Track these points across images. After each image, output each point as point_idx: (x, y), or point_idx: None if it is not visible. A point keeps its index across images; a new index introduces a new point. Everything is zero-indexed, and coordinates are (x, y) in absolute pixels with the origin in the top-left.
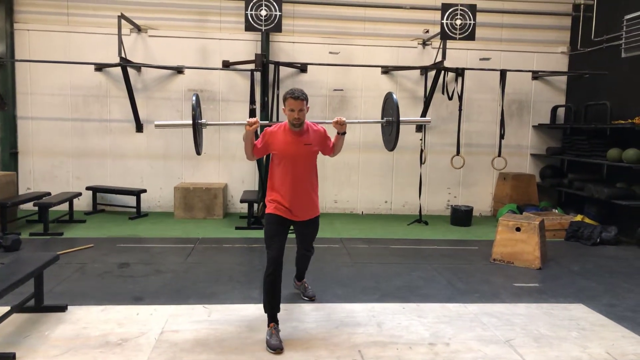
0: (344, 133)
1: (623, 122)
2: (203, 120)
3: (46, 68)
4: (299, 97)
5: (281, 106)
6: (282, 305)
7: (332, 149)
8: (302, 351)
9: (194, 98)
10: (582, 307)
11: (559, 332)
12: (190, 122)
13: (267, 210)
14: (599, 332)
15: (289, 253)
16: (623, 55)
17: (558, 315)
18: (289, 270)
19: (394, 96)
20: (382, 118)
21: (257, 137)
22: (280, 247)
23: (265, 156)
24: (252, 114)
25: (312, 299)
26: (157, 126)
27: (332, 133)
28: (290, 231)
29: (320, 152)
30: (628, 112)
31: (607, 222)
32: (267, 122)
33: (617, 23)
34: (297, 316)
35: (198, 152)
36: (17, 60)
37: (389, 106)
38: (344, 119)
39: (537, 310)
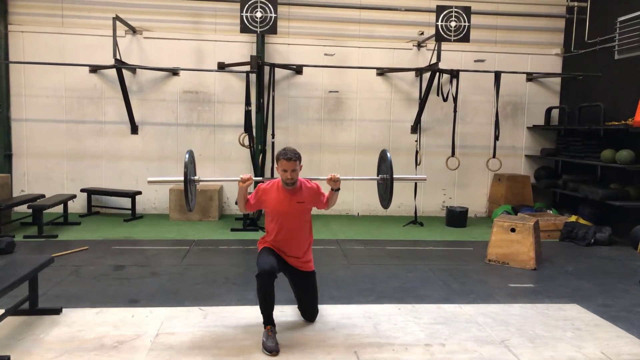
0: (338, 189)
1: (616, 123)
2: (196, 177)
3: (40, 70)
4: (291, 159)
5: (278, 108)
6: (278, 307)
7: (325, 204)
8: (298, 353)
9: (187, 155)
10: (577, 307)
11: (554, 332)
12: (182, 178)
13: (261, 247)
14: (593, 332)
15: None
16: (616, 57)
17: (553, 316)
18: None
19: (389, 155)
20: (377, 175)
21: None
22: (272, 260)
23: (260, 157)
24: (247, 115)
25: None
26: (149, 182)
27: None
28: None
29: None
30: (621, 113)
31: (601, 223)
32: (261, 178)
33: (610, 25)
34: (293, 318)
35: (190, 209)
36: (12, 62)
37: (384, 164)
38: (338, 175)
39: (532, 311)
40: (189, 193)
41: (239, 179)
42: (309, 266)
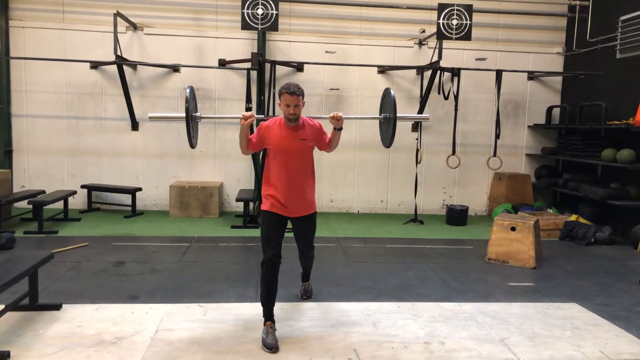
0: (341, 129)
1: (617, 122)
2: (197, 113)
3: (41, 66)
4: (294, 93)
5: (277, 105)
6: (278, 304)
7: (328, 144)
8: (297, 350)
9: (188, 90)
10: (577, 306)
11: (553, 331)
12: (184, 114)
13: (263, 207)
14: (593, 331)
15: (287, 253)
16: (618, 56)
17: (552, 315)
18: (287, 269)
19: (392, 92)
20: (380, 114)
21: (252, 131)
22: (276, 246)
23: (261, 154)
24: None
25: (304, 298)
26: (150, 118)
27: (328, 128)
28: (288, 229)
29: (316, 147)
30: (622, 112)
31: (601, 222)
32: (263, 116)
33: (612, 24)
34: (293, 315)
35: (192, 145)
36: (12, 58)
37: (387, 102)
38: (340, 114)
39: (531, 310)
40: (191, 130)
41: (241, 116)
42: (312, 207)
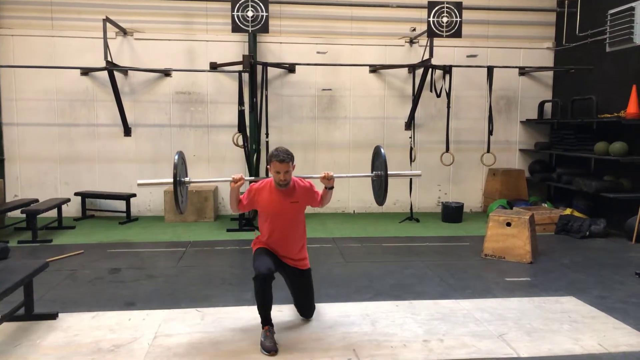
0: (332, 187)
1: (609, 115)
2: (186, 179)
3: (31, 73)
4: (284, 160)
5: (271, 107)
6: (276, 307)
7: (320, 202)
8: (296, 352)
9: (176, 156)
10: (574, 299)
11: (551, 325)
12: (171, 180)
13: (255, 248)
14: (590, 324)
15: None
16: (607, 49)
17: (550, 309)
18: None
19: (382, 150)
20: (372, 172)
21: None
22: (268, 263)
23: (255, 156)
24: (241, 115)
25: None
26: (139, 185)
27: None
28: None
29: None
30: (613, 105)
31: (595, 215)
32: (253, 178)
33: (601, 18)
34: (291, 317)
35: (180, 211)
36: (2, 66)
37: (378, 160)
38: (331, 173)
39: (529, 304)
40: (179, 195)
41: (230, 179)
42: (304, 264)
